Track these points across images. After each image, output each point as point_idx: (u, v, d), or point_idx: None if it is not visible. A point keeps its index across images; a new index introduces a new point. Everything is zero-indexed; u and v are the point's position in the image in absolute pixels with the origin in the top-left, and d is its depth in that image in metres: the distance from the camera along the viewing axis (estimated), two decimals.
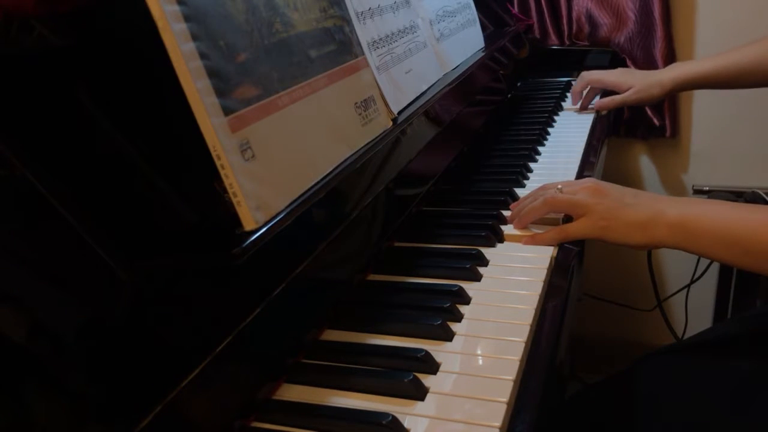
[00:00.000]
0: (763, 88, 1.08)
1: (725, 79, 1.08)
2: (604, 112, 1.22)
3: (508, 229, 0.76)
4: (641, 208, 0.69)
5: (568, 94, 1.33)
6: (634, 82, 1.14)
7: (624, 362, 0.80)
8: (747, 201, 1.36)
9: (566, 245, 0.73)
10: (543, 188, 0.78)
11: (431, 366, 0.53)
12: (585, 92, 1.24)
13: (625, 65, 1.40)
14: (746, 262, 0.65)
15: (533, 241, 0.73)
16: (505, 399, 0.49)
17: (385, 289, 0.67)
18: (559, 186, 0.74)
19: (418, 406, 0.50)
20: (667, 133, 1.43)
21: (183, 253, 0.47)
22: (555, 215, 0.76)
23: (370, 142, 0.66)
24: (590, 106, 1.23)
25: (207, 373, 0.43)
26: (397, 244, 0.75)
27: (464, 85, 0.96)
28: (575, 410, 0.80)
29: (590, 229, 0.71)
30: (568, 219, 0.76)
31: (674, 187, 1.51)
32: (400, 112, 0.75)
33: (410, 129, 0.75)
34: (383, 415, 0.47)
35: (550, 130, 1.14)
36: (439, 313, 0.59)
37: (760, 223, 0.63)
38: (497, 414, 0.48)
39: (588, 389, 0.90)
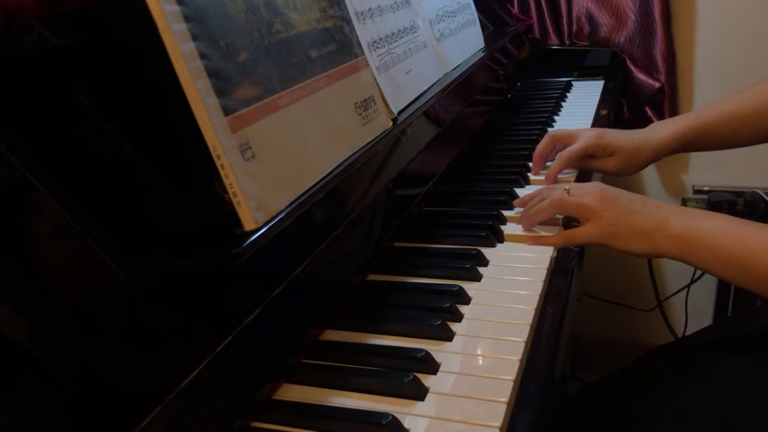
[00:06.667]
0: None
1: (732, 128, 0.90)
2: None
3: (508, 229, 0.76)
4: (648, 216, 0.69)
5: (569, 94, 1.33)
6: (619, 149, 0.89)
7: (624, 362, 0.81)
8: (747, 201, 1.36)
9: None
10: (550, 188, 0.77)
11: (431, 366, 0.53)
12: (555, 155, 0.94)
13: (625, 65, 1.40)
14: (743, 282, 0.64)
15: (538, 242, 0.73)
16: (505, 399, 0.49)
17: (385, 289, 0.67)
18: (567, 187, 0.74)
19: (418, 406, 0.50)
20: None
21: (183, 253, 0.47)
22: (557, 216, 0.76)
23: (370, 142, 0.66)
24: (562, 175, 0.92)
25: (207, 372, 0.43)
26: (397, 244, 0.75)
27: (464, 86, 0.96)
28: (575, 409, 0.80)
29: (597, 235, 0.70)
30: (567, 220, 0.76)
31: (674, 187, 1.51)
32: (400, 112, 0.75)
33: (410, 129, 0.75)
34: (383, 415, 0.47)
35: (550, 130, 1.14)
36: (439, 313, 0.59)
37: (760, 244, 0.62)
38: (497, 414, 0.48)
39: (588, 388, 0.90)
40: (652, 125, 0.94)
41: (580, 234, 0.71)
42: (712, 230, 0.65)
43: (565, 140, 0.92)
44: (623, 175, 0.92)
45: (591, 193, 0.72)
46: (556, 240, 0.72)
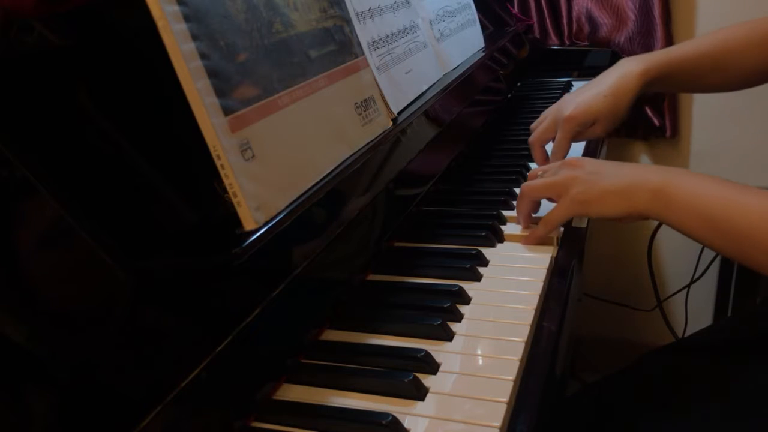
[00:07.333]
0: (762, 86, 1.02)
1: (702, 67, 0.87)
2: None
3: (508, 229, 0.76)
4: (623, 176, 0.66)
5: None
6: (597, 115, 0.84)
7: (624, 362, 0.80)
8: None
9: (566, 244, 0.73)
10: (530, 175, 0.76)
11: (431, 366, 0.53)
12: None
13: None
14: (721, 246, 0.61)
15: (529, 241, 0.72)
16: (505, 399, 0.49)
17: (385, 289, 0.67)
18: (539, 173, 0.73)
19: (418, 406, 0.50)
20: (667, 133, 1.43)
21: (183, 253, 0.47)
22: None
23: (370, 142, 0.66)
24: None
25: (207, 372, 0.43)
26: (397, 244, 0.75)
27: (464, 86, 0.96)
28: (575, 410, 0.80)
29: (570, 208, 0.68)
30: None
31: None
32: (400, 112, 0.75)
33: (410, 129, 0.75)
34: (383, 415, 0.47)
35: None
36: (439, 313, 0.59)
37: (743, 206, 0.58)
38: (497, 414, 0.48)
39: (588, 388, 0.90)
40: (620, 63, 0.88)
41: (556, 213, 0.69)
42: (693, 187, 0.62)
43: (548, 136, 0.88)
44: (614, 129, 0.87)
45: (557, 167, 0.70)
46: (539, 232, 0.71)
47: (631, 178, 0.65)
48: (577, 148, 1.02)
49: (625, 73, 0.85)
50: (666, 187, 0.63)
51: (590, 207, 0.67)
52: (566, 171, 0.69)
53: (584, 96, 0.85)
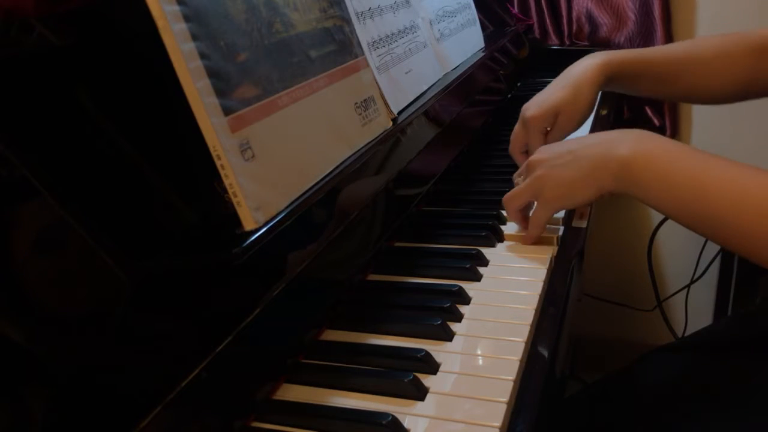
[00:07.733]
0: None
1: (671, 71, 0.85)
2: None
3: (507, 229, 0.76)
4: (587, 158, 0.63)
5: None
6: (557, 108, 0.80)
7: (624, 362, 0.81)
8: None
9: (566, 244, 0.73)
10: (514, 178, 0.77)
11: (431, 366, 0.53)
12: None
13: None
14: (693, 225, 0.57)
15: (526, 241, 0.72)
16: (505, 399, 0.49)
17: (385, 289, 0.67)
18: (516, 180, 0.73)
19: (418, 406, 0.50)
20: (667, 133, 1.43)
21: (183, 253, 0.47)
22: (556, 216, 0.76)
23: (370, 142, 0.66)
24: None
25: (207, 372, 0.43)
26: (397, 244, 0.75)
27: (464, 86, 0.96)
28: (575, 410, 0.80)
29: (547, 207, 0.67)
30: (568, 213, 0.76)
31: None
32: (400, 112, 0.75)
33: (410, 129, 0.75)
34: (383, 415, 0.47)
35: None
36: (439, 313, 0.59)
37: (717, 178, 0.55)
38: (497, 414, 0.48)
39: (587, 388, 0.90)
40: (585, 57, 0.85)
41: (537, 214, 0.69)
42: (666, 155, 0.58)
43: (521, 141, 0.84)
44: (583, 120, 0.84)
45: (525, 168, 0.70)
46: (532, 232, 0.71)
47: (594, 159, 0.63)
48: None
49: (585, 66, 0.83)
50: (631, 163, 0.60)
51: (564, 200, 0.67)
52: (533, 172, 0.69)
53: (544, 94, 0.83)
